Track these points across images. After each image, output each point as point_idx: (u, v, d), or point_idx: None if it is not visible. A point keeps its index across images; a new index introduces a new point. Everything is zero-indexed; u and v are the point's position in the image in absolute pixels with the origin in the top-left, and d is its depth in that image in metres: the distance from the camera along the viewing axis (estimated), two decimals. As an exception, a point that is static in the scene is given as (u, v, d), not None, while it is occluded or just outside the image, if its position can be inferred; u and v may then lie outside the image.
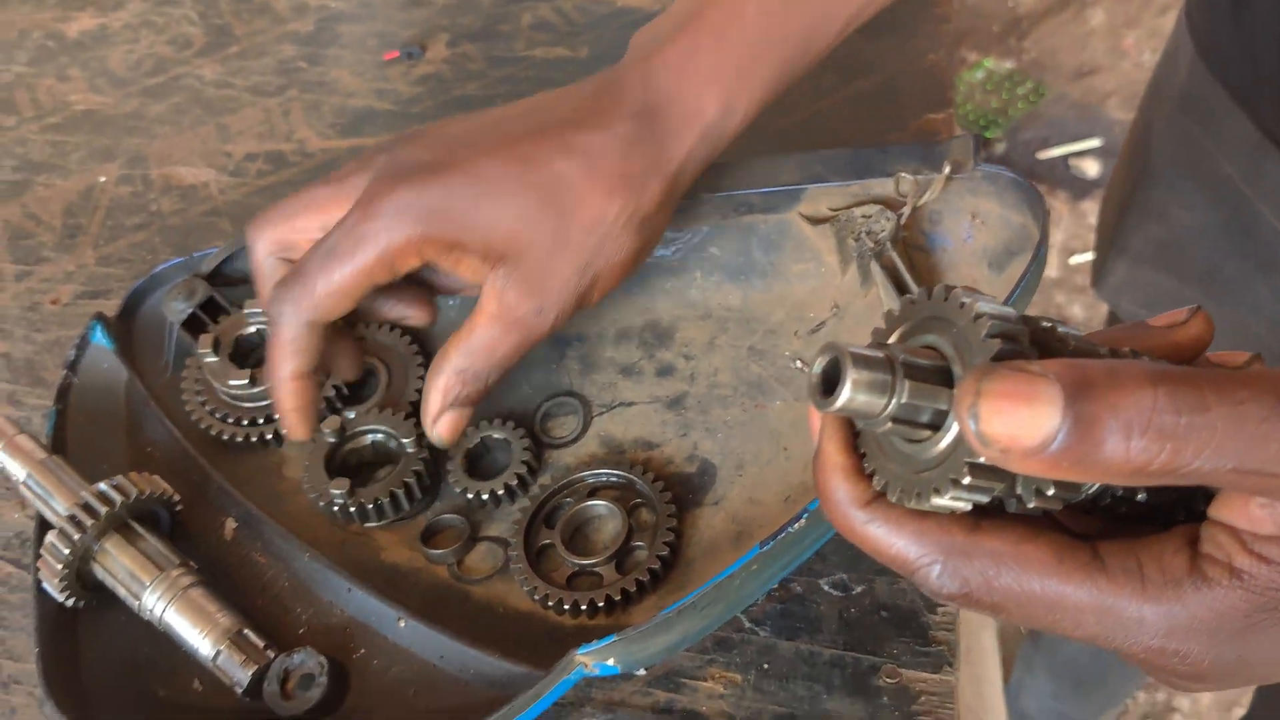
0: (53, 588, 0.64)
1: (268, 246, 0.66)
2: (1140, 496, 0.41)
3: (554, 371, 0.75)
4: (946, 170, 0.68)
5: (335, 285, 0.60)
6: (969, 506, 0.37)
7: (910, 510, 0.39)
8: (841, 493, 0.40)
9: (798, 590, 0.66)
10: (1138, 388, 0.33)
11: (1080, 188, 2.65)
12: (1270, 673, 0.40)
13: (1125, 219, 1.13)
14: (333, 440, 0.70)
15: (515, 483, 0.69)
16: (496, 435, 0.71)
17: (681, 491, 0.69)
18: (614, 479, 0.69)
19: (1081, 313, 2.46)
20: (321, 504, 0.68)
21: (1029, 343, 0.36)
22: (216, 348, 0.73)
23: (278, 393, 0.65)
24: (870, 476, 0.40)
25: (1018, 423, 0.33)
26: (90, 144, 0.99)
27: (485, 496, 0.68)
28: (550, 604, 0.64)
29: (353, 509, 0.67)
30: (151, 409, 0.73)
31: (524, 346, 0.64)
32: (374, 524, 0.68)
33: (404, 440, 0.69)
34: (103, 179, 0.96)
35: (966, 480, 0.36)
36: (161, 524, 0.68)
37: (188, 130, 0.99)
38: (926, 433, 0.37)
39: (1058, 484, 0.37)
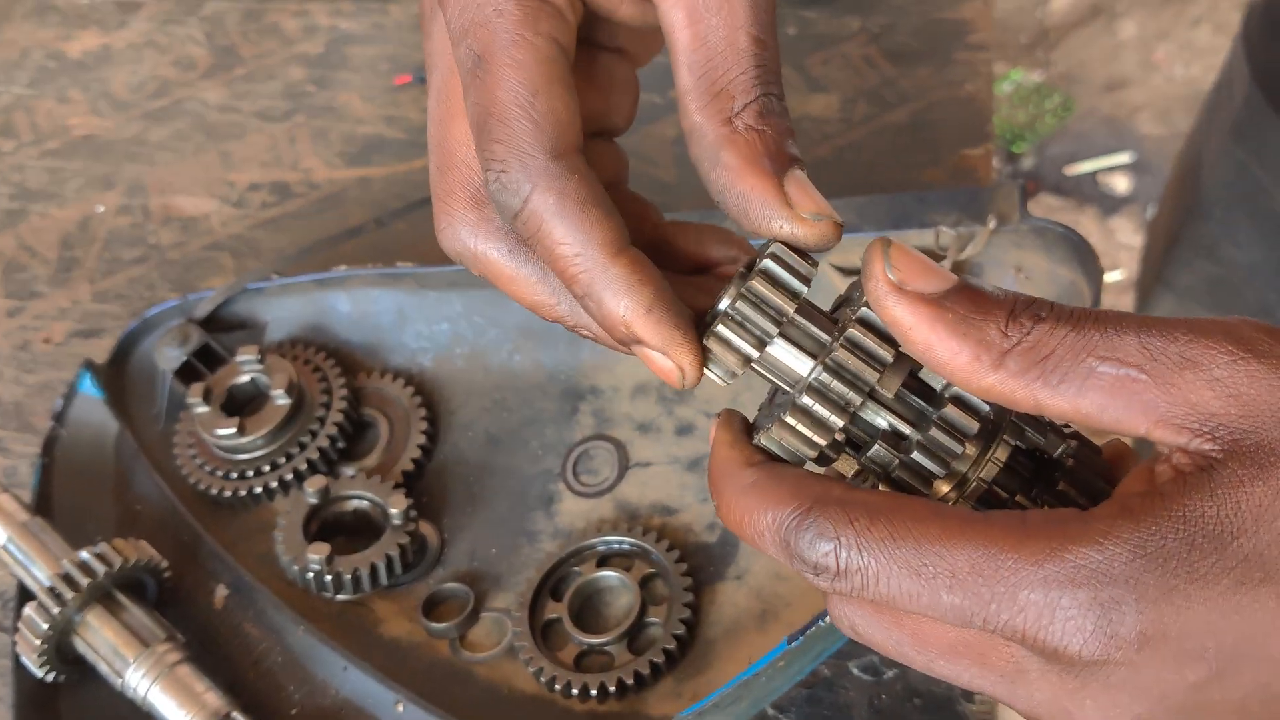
0: (31, 662, 0.60)
1: None
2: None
3: (566, 427, 0.71)
4: (992, 224, 0.64)
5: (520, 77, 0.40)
6: (823, 436, 0.38)
7: (790, 467, 0.38)
8: (725, 461, 0.39)
9: (826, 674, 0.61)
10: (1017, 294, 0.36)
11: (1109, 204, 2.59)
12: (1185, 658, 0.32)
13: (1173, 253, 1.08)
14: (314, 501, 0.66)
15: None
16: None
17: (701, 562, 0.64)
18: (626, 547, 0.65)
19: (1110, 333, 2.40)
20: (295, 568, 0.63)
21: None
22: (208, 397, 0.69)
23: (600, 303, 0.40)
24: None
25: (920, 270, 0.36)
26: (89, 171, 0.95)
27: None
28: (558, 687, 0.60)
29: (328, 578, 0.63)
30: (142, 463, 0.69)
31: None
32: (346, 596, 0.64)
33: (391, 512, 0.65)
34: (101, 209, 0.92)
35: (823, 377, 0.37)
36: (148, 592, 0.64)
37: (190, 157, 0.95)
38: (804, 364, 0.38)
39: (940, 427, 0.37)
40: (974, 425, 0.38)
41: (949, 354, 0.35)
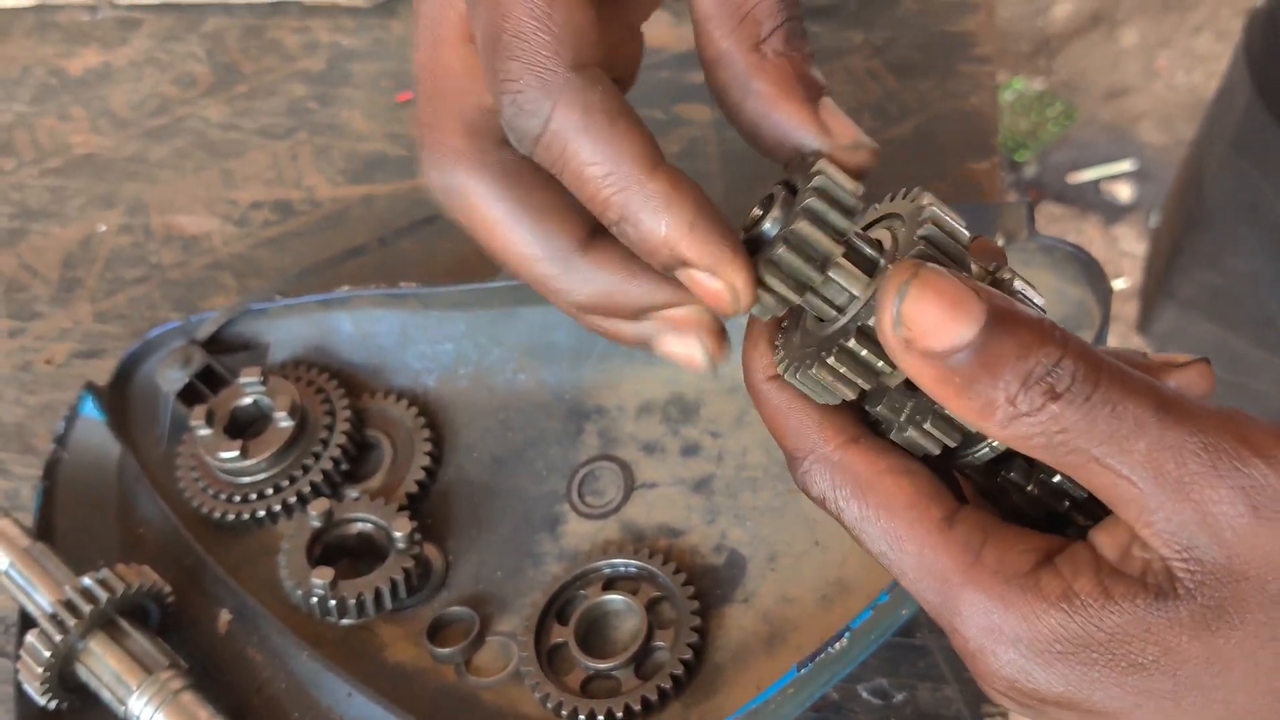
0: (33, 690, 0.60)
1: None
2: (1030, 487, 0.39)
3: (571, 448, 0.70)
4: (999, 243, 0.63)
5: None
6: (833, 398, 0.38)
7: (801, 395, 0.39)
8: (753, 362, 0.40)
9: (834, 698, 0.61)
10: (1051, 343, 0.34)
11: (1112, 212, 2.59)
12: None
13: (1175, 263, 1.08)
14: (318, 524, 0.65)
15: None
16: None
17: (708, 585, 0.64)
18: (632, 570, 0.64)
19: (1113, 342, 2.40)
20: (299, 593, 0.63)
21: (966, 267, 0.37)
22: (210, 419, 0.69)
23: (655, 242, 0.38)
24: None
25: (934, 320, 0.33)
26: (90, 189, 0.95)
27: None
28: (565, 713, 0.59)
29: (333, 603, 0.63)
30: (144, 486, 0.69)
31: None
32: (351, 620, 0.64)
33: (395, 535, 0.64)
34: (102, 228, 0.92)
35: (830, 361, 0.36)
36: (151, 618, 0.63)
37: (191, 175, 0.94)
38: (835, 314, 0.38)
39: (935, 418, 0.37)
40: None
41: (955, 407, 0.35)
